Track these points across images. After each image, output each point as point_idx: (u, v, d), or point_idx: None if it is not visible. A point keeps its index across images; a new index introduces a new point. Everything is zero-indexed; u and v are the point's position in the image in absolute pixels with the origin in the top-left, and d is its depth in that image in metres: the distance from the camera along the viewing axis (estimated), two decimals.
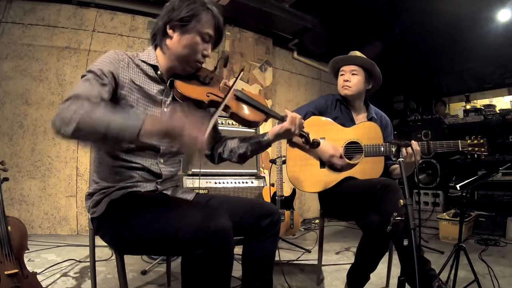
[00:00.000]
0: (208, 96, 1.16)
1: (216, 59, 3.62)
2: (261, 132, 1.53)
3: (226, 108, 1.16)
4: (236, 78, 1.22)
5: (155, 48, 1.19)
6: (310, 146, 1.30)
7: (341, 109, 1.88)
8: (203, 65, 1.23)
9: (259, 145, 1.28)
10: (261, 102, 1.24)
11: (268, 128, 1.31)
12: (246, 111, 1.20)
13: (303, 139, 1.29)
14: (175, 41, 1.13)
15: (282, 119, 1.23)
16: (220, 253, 0.89)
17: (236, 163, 1.33)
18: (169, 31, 1.13)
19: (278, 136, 1.25)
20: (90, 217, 1.14)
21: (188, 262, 0.91)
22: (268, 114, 1.23)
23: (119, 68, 1.08)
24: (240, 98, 1.22)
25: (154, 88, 1.16)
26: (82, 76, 1.03)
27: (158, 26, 1.16)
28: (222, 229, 0.89)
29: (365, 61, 1.81)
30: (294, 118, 1.21)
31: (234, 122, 2.76)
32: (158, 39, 1.17)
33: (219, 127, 1.42)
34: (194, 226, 0.87)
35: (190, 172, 2.56)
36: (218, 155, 1.34)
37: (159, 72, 1.17)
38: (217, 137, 1.37)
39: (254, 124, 1.24)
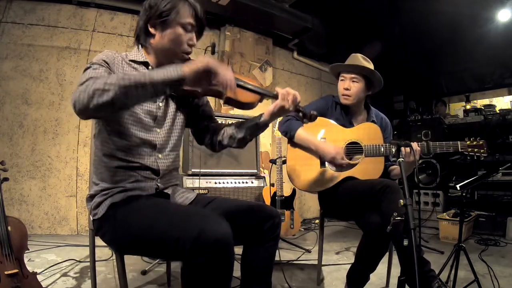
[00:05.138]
0: None
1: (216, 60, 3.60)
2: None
3: (221, 94, 1.15)
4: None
5: (141, 48, 1.20)
6: (308, 119, 1.28)
7: (341, 112, 1.88)
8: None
9: (257, 127, 1.27)
10: (253, 83, 1.22)
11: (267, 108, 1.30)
12: (240, 94, 1.18)
13: (300, 114, 1.27)
14: (158, 38, 1.13)
15: (275, 97, 1.21)
16: (220, 261, 0.89)
17: (237, 148, 1.33)
18: (151, 29, 1.13)
19: (274, 115, 1.23)
20: (92, 218, 1.14)
21: (188, 268, 0.91)
22: (262, 94, 1.21)
23: (114, 65, 1.11)
24: None
25: None
26: (86, 69, 1.03)
27: (140, 26, 1.16)
28: (223, 238, 0.88)
29: (366, 70, 1.79)
30: (286, 93, 1.18)
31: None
32: (142, 39, 1.18)
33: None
34: (195, 234, 0.87)
35: (190, 172, 2.56)
36: (218, 143, 1.33)
37: (150, 68, 1.18)
38: (215, 126, 1.36)
39: (249, 106, 1.22)
